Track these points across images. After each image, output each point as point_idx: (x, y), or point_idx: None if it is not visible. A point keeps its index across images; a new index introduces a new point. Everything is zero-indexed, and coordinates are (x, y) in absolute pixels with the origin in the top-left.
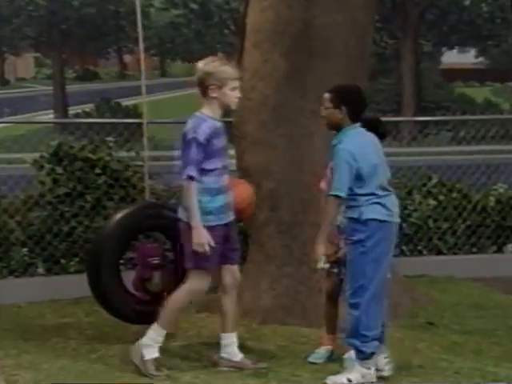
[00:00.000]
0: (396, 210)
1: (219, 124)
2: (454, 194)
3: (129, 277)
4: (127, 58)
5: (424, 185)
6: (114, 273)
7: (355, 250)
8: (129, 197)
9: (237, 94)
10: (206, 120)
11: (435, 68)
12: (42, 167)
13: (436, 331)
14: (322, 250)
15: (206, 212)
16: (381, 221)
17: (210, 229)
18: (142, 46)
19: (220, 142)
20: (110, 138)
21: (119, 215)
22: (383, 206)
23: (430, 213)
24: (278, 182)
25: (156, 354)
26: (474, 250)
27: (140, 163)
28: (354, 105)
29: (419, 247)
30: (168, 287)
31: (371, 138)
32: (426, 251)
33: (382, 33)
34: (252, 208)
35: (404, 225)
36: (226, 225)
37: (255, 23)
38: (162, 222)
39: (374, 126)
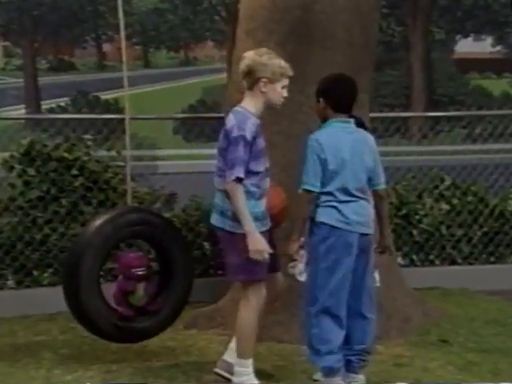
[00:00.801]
0: (358, 218)
1: (258, 121)
2: (469, 198)
3: (109, 289)
4: (106, 46)
5: (436, 187)
6: (93, 285)
7: (311, 255)
8: (109, 201)
9: (285, 93)
10: (249, 117)
11: (448, 58)
12: (12, 168)
13: (450, 349)
14: (293, 249)
15: (252, 218)
16: (333, 226)
17: None
18: (123, 33)
19: (262, 141)
20: (87, 136)
21: (98, 221)
22: (339, 211)
23: (442, 218)
24: (277, 184)
25: (256, 381)
26: (492, 259)
27: (121, 163)
28: (331, 96)
29: (431, 256)
30: (153, 301)
31: (359, 136)
32: (439, 261)
33: (389, 19)
34: (284, 215)
35: (414, 232)
36: (268, 230)
37: (248, 9)
38: (145, 229)
39: (361, 124)
